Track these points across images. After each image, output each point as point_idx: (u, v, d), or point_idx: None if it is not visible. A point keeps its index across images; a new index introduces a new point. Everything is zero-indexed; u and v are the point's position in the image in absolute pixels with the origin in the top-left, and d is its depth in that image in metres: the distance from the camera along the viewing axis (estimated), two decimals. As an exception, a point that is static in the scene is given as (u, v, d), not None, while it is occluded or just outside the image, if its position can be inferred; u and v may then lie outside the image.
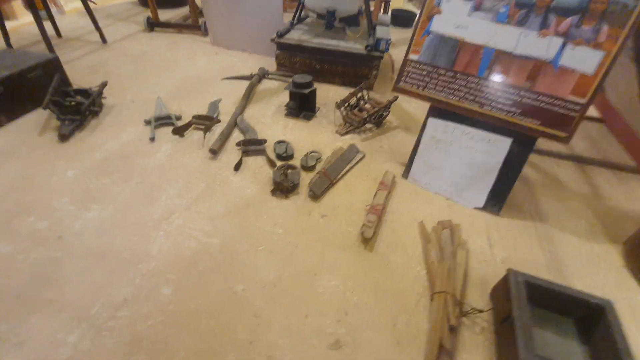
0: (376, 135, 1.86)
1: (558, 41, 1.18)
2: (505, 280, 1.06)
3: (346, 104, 1.89)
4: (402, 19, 3.60)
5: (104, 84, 1.88)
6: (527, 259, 1.26)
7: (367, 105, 1.97)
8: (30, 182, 1.41)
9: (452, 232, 1.30)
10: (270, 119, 1.92)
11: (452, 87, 1.38)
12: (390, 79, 2.40)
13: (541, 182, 1.64)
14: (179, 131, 1.69)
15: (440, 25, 1.36)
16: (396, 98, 1.84)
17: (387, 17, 2.39)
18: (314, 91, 1.87)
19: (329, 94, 2.21)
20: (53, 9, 3.13)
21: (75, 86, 1.99)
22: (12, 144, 1.61)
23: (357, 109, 1.95)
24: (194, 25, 2.93)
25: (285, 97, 2.13)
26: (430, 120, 1.47)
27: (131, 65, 2.41)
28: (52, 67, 1.88)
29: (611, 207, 1.53)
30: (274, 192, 1.43)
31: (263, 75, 2.29)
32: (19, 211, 1.28)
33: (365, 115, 1.81)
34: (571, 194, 1.59)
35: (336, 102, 1.86)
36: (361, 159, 1.66)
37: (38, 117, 1.80)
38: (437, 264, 1.17)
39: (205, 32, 2.91)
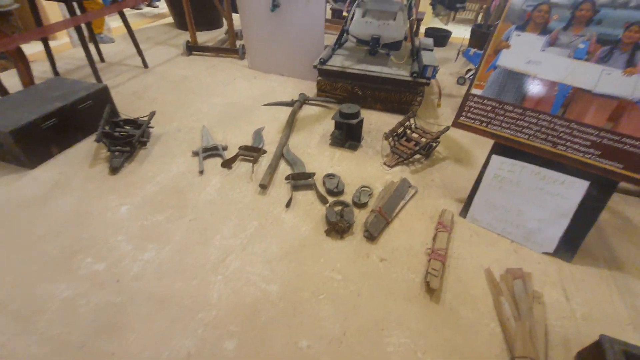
0: (426, 167, 1.79)
1: (647, 80, 1.09)
2: (597, 348, 0.96)
3: (394, 134, 1.83)
4: (435, 38, 3.53)
5: (152, 114, 1.89)
6: (609, 314, 1.16)
7: (415, 135, 1.91)
8: (85, 218, 1.41)
9: (525, 282, 1.21)
10: (315, 149, 1.88)
11: (520, 125, 1.30)
12: (437, 105, 2.33)
13: (611, 224, 1.53)
14: (228, 164, 1.68)
15: (509, 60, 1.29)
16: (447, 128, 1.77)
17: (431, 42, 2.33)
18: (361, 121, 1.83)
19: (370, 121, 2.17)
20: (103, 36, 3.25)
21: (122, 114, 2.03)
22: (65, 176, 1.63)
23: (404, 138, 1.89)
24: (232, 48, 2.96)
25: (327, 124, 2.10)
26: (494, 157, 1.39)
27: (173, 90, 2.45)
28: (102, 97, 1.91)
29: (696, 253, 1.39)
30: (328, 232, 1.37)
31: (304, 101, 2.27)
32: (77, 249, 1.28)
33: (415, 148, 1.75)
34: (647, 237, 1.46)
35: (384, 133, 1.81)
36: (414, 194, 1.59)
37: (88, 147, 1.83)
38: (514, 321, 1.08)
39: (242, 56, 2.93)
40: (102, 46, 3.19)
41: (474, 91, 1.37)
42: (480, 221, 1.47)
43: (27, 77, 1.99)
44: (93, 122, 1.82)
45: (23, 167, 1.66)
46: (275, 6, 2.27)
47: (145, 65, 2.75)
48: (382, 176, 1.71)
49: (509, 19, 1.26)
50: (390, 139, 1.83)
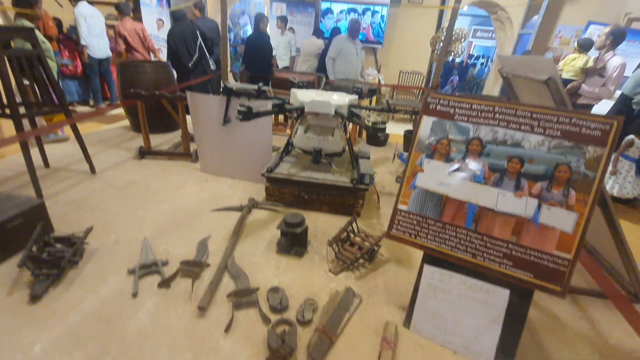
0: (369, 271, 1.84)
1: (534, 202, 1.30)
2: None
3: (338, 240, 1.90)
4: (375, 138, 4.00)
5: (89, 230, 1.82)
6: None
7: (357, 238, 2.00)
8: (-16, 365, 1.21)
9: (469, 403, 1.18)
10: (261, 258, 1.88)
11: (443, 237, 1.44)
12: (376, 208, 2.51)
13: (541, 322, 1.62)
14: (166, 283, 1.60)
15: (425, 181, 1.48)
16: (385, 234, 1.89)
17: (368, 150, 2.63)
18: (306, 229, 1.90)
19: (317, 223, 2.25)
20: (56, 135, 3.22)
21: (57, 228, 1.92)
22: (-28, 308, 1.43)
23: (348, 242, 1.97)
24: (185, 152, 3.08)
25: (275, 228, 2.14)
26: (426, 267, 1.49)
27: (118, 197, 2.41)
28: (36, 214, 1.82)
29: (615, 346, 1.49)
30: None
31: (253, 205, 2.34)
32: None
33: (358, 254, 1.82)
34: (573, 334, 1.56)
35: (328, 240, 1.88)
36: (359, 304, 1.60)
37: (9, 269, 1.66)
38: None
39: (195, 159, 3.05)
40: (51, 147, 3.17)
41: (400, 207, 1.52)
42: (422, 331, 1.48)
43: (-50, 194, 1.87)
44: (21, 242, 1.69)
45: None
46: (226, 121, 2.49)
47: (92, 170, 2.73)
48: (327, 284, 1.72)
49: (419, 149, 1.50)
50: (335, 244, 1.90)
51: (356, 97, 2.33)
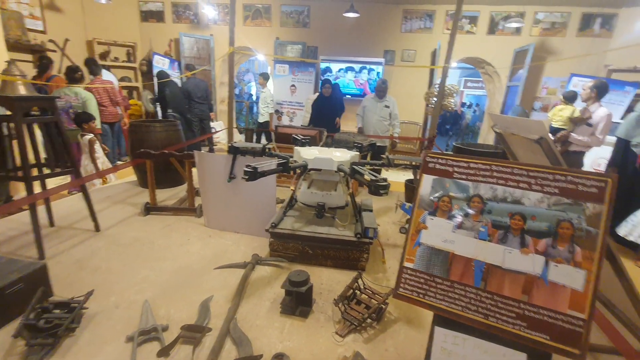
0: (378, 333, 1.76)
1: (541, 259, 1.29)
2: None
3: (344, 299, 1.85)
4: (376, 188, 4.05)
5: (89, 294, 1.78)
6: None
7: (364, 296, 1.95)
8: None
9: None
10: (265, 320, 1.81)
11: (452, 296, 1.40)
12: (382, 262, 2.48)
13: (565, 387, 1.50)
14: (165, 351, 1.53)
15: (429, 238, 1.48)
16: (392, 291, 1.84)
17: (371, 203, 2.66)
18: (311, 287, 1.86)
19: (322, 279, 2.20)
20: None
21: (57, 292, 1.89)
22: (-40, 385, 1.36)
23: (354, 300, 1.91)
24: (190, 208, 3.12)
25: (278, 286, 2.09)
26: (437, 329, 1.43)
27: (121, 256, 2.39)
28: (37, 278, 1.80)
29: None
30: None
31: (256, 262, 2.31)
32: None
33: (365, 314, 1.75)
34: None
35: (334, 299, 1.83)
36: (369, 371, 1.51)
37: (3, 338, 1.60)
38: None
39: (200, 214, 3.08)
40: (57, 203, 3.22)
41: (406, 264, 1.51)
42: (439, 402, 1.38)
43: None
44: (19, 307, 1.66)
45: None
46: (231, 178, 2.56)
47: (97, 228, 2.74)
48: (334, 349, 1.64)
49: (422, 206, 1.52)
50: (341, 304, 1.84)
51: (357, 153, 2.42)
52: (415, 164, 2.34)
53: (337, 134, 3.86)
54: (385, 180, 1.85)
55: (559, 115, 4.67)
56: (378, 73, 7.08)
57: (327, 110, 5.34)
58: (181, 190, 3.90)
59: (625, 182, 3.27)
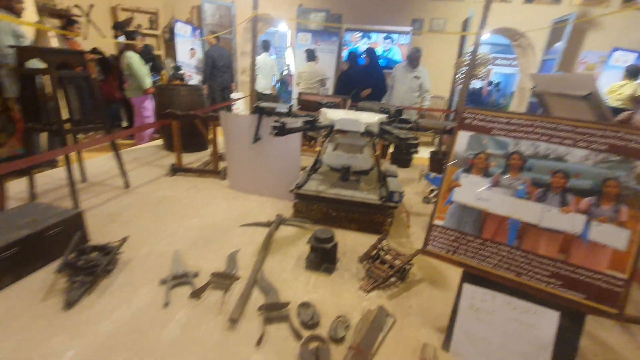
0: (402, 291, 1.77)
1: (582, 217, 1.24)
2: None
3: (368, 257, 1.86)
4: (399, 161, 3.99)
5: (124, 240, 1.86)
6: None
7: (388, 256, 1.95)
8: (21, 369, 1.21)
9: None
10: (290, 274, 1.85)
11: (483, 254, 1.38)
12: (406, 226, 2.46)
13: (592, 350, 1.49)
14: (197, 294, 1.59)
15: (462, 196, 1.45)
16: (418, 252, 1.83)
17: (395, 169, 2.62)
18: (336, 245, 1.87)
19: (346, 241, 2.22)
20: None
21: (92, 238, 1.98)
22: (11, 313, 1.46)
23: (378, 260, 1.91)
24: (215, 170, 3.17)
25: (303, 245, 2.12)
26: (466, 286, 1.42)
27: (150, 212, 2.47)
28: (74, 223, 1.89)
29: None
30: (302, 377, 1.24)
31: (280, 222, 2.34)
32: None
33: (390, 272, 1.76)
34: (632, 368, 1.42)
35: (359, 257, 1.84)
36: (393, 324, 1.53)
37: (45, 276, 1.71)
38: None
39: (224, 177, 3.12)
40: (88, 162, 3.33)
41: (437, 222, 1.48)
42: (463, 355, 1.39)
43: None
44: (59, 249, 1.75)
45: (-36, 303, 1.49)
46: (257, 139, 2.55)
47: (127, 185, 2.83)
48: (359, 303, 1.66)
49: (456, 164, 1.47)
50: (365, 262, 1.85)
51: (385, 115, 2.36)
52: (446, 128, 2.26)
53: (360, 103, 3.77)
54: (416, 138, 1.80)
55: (619, 92, 4.11)
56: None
57: (362, 83, 4.77)
58: (205, 156, 3.96)
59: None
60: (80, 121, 2.47)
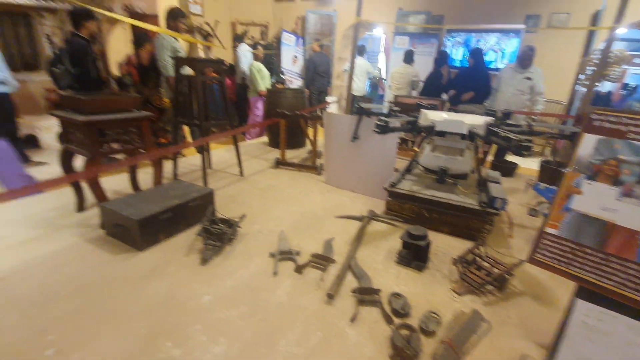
0: (499, 301, 1.70)
1: None
2: None
3: (463, 261, 1.83)
4: (502, 169, 3.68)
5: (243, 217, 2.22)
6: None
7: (485, 264, 1.88)
8: (172, 302, 1.59)
9: None
10: (381, 265, 1.95)
11: (605, 270, 1.25)
12: (508, 236, 2.31)
13: None
14: (299, 269, 1.82)
15: (583, 205, 1.33)
16: (522, 262, 1.73)
17: (498, 175, 2.47)
18: (429, 244, 1.89)
19: (437, 243, 2.20)
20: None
21: (219, 214, 2.40)
22: (164, 261, 1.91)
23: (474, 265, 1.86)
24: (312, 165, 3.46)
25: (394, 241, 2.19)
26: (580, 302, 1.30)
27: (260, 197, 2.86)
28: (207, 198, 2.34)
29: None
30: (393, 358, 1.33)
31: (372, 217, 2.44)
32: (160, 332, 1.42)
33: (488, 279, 1.71)
34: None
35: (453, 259, 1.83)
36: (488, 330, 1.49)
37: (187, 237, 2.16)
38: None
39: (319, 172, 3.39)
40: (212, 153, 3.99)
41: (549, 230, 1.39)
42: (570, 377, 1.28)
43: (158, 178, 2.57)
44: (196, 217, 2.19)
45: (135, 249, 2.00)
46: (355, 138, 2.72)
47: (241, 174, 3.32)
48: (450, 303, 1.66)
49: (578, 169, 1.36)
50: (460, 265, 1.83)
51: (491, 118, 2.26)
52: (564, 132, 2.05)
53: (461, 106, 3.62)
54: (529, 140, 1.70)
55: None
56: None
57: (463, 86, 4.45)
58: (302, 152, 4.33)
59: None
60: (214, 118, 3.01)
